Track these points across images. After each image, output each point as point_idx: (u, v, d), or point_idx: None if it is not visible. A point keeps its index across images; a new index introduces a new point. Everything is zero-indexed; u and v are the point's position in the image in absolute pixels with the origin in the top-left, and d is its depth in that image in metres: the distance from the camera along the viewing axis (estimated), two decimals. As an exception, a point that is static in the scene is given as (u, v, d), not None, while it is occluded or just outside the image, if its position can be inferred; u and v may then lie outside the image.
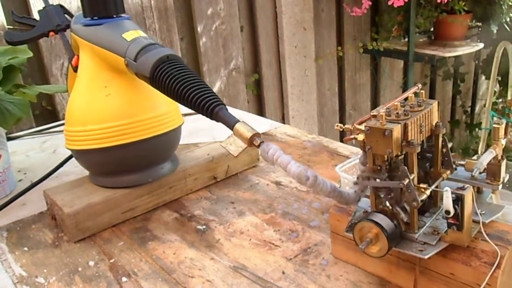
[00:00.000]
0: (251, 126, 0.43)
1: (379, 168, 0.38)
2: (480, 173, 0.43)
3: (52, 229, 0.62)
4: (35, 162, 0.86)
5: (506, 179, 0.43)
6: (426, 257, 0.37)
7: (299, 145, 0.84)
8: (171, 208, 0.65)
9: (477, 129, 2.43)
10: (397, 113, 0.37)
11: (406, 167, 0.38)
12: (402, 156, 0.38)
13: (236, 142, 0.42)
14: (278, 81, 1.84)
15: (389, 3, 1.55)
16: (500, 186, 0.43)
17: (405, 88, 2.03)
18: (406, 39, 1.85)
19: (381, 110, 0.39)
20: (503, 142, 0.42)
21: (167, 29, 1.48)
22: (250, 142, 0.42)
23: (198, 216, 0.62)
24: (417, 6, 1.72)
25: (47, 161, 0.85)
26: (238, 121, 0.43)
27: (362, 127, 0.38)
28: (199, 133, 0.89)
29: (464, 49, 1.78)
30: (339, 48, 1.94)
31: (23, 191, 0.70)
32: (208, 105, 0.45)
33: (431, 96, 2.31)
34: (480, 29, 1.96)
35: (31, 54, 0.76)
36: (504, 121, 0.41)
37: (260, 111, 1.85)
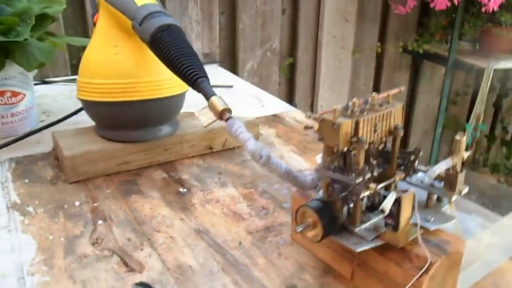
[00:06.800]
0: (225, 101, 0.45)
1: (329, 158, 0.40)
2: (437, 181, 0.44)
3: (54, 168, 0.68)
4: (60, 107, 0.93)
5: (464, 192, 0.44)
6: (358, 250, 0.39)
7: (302, 131, 0.85)
8: (163, 168, 0.69)
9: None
10: (353, 110, 0.38)
11: (367, 166, 0.40)
12: (355, 151, 0.40)
13: (208, 113, 0.45)
14: (312, 67, 1.83)
15: (431, 5, 1.50)
16: (455, 197, 0.43)
17: (441, 95, 1.96)
18: (448, 45, 1.79)
19: (348, 105, 0.40)
20: (465, 155, 0.43)
21: (208, 1, 1.51)
22: (220, 115, 0.45)
23: (184, 180, 0.66)
24: (465, 13, 1.65)
25: (71, 108, 0.91)
26: (215, 94, 0.46)
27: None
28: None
29: (507, 64, 1.71)
30: (379, 44, 1.90)
31: (36, 130, 0.77)
32: (192, 76, 0.48)
33: (471, 108, 2.22)
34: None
35: (65, 6, 0.82)
36: (469, 134, 0.42)
37: (290, 95, 1.86)
